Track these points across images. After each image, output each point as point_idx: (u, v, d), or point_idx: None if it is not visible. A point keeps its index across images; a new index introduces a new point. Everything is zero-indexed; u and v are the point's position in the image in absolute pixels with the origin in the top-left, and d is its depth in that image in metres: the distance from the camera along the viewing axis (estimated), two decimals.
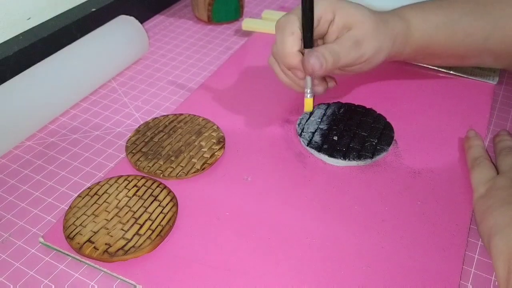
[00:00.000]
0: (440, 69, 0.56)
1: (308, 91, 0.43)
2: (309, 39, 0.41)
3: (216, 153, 0.45)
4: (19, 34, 0.55)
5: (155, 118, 0.49)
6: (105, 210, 0.39)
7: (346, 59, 0.42)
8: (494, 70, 0.56)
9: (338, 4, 0.42)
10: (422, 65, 0.57)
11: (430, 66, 0.56)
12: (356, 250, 0.37)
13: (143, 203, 0.40)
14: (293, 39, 0.41)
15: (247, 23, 0.64)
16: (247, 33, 0.66)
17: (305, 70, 0.41)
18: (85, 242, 0.37)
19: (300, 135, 0.47)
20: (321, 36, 0.44)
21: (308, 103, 0.43)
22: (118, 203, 0.40)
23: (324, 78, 0.46)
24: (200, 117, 0.49)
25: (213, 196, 0.42)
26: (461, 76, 0.55)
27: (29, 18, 0.57)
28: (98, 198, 0.40)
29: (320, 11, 0.41)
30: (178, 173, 0.43)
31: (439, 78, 0.56)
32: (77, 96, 0.52)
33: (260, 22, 0.65)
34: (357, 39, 0.42)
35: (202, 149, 0.45)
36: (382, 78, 0.56)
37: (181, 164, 0.44)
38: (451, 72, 0.56)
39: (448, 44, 0.46)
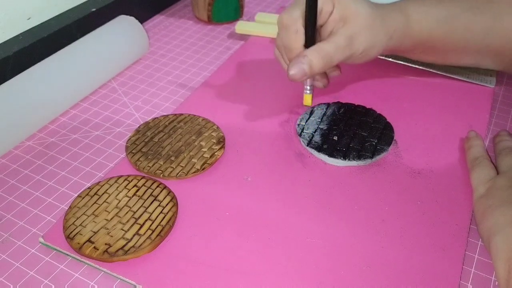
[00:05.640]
0: (438, 72, 0.56)
1: (308, 87, 0.44)
2: (309, 39, 0.42)
3: (216, 153, 0.45)
4: (19, 34, 0.55)
5: (155, 118, 0.49)
6: (105, 210, 0.39)
7: (339, 58, 0.42)
8: (491, 74, 0.56)
9: None
10: (422, 68, 0.57)
11: (430, 70, 0.56)
12: (356, 250, 0.37)
13: (143, 203, 0.40)
14: (297, 36, 0.42)
15: (240, 26, 0.64)
16: (245, 34, 0.66)
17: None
18: (85, 242, 0.37)
19: (300, 135, 0.47)
20: (319, 26, 0.44)
21: (307, 98, 0.45)
22: (118, 203, 0.40)
23: (325, 74, 0.47)
24: (200, 117, 0.49)
25: (213, 196, 0.42)
26: (458, 79, 0.55)
27: (29, 18, 0.57)
28: (98, 198, 0.40)
29: (321, 3, 0.42)
30: (178, 173, 0.43)
31: (439, 79, 0.56)
32: (77, 96, 0.52)
33: (253, 25, 0.65)
34: (351, 36, 0.42)
35: (202, 149, 0.45)
36: (382, 78, 0.56)
37: (181, 164, 0.44)
38: (449, 74, 0.56)
39: (447, 39, 0.47)
